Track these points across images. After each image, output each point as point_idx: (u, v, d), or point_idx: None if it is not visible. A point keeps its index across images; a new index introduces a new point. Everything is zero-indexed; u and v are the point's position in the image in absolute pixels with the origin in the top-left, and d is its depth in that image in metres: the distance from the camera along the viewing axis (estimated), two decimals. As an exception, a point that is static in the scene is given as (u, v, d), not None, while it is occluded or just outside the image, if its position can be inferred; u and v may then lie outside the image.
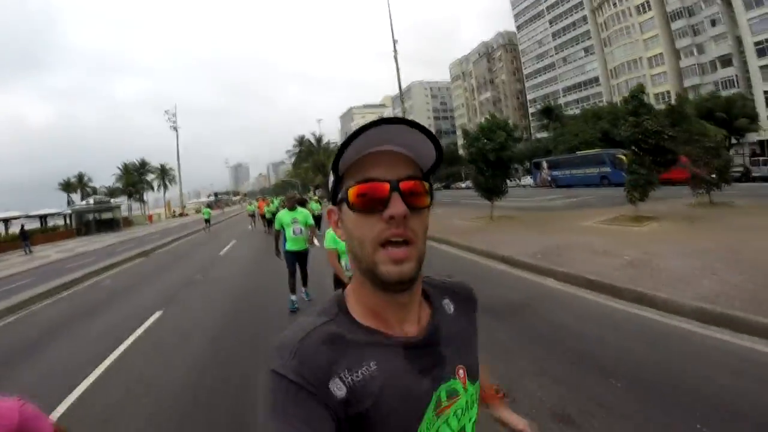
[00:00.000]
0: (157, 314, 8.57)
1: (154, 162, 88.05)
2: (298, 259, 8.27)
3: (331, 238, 5.56)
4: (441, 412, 0.88)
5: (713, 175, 16.71)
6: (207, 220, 32.30)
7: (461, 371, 0.94)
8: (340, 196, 0.89)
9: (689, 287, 6.36)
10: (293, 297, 7.85)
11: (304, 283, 8.35)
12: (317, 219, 16.77)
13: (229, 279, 11.86)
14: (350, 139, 0.80)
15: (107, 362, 6.14)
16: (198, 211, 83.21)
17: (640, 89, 15.27)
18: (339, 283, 5.53)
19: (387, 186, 0.82)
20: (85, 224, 48.87)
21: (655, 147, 14.12)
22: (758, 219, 12.31)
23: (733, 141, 50.96)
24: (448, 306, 1.03)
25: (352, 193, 0.84)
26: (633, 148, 14.64)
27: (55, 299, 11.93)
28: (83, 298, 11.74)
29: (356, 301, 0.92)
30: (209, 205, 51.32)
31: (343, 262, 5.49)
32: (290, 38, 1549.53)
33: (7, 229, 43.74)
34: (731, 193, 18.74)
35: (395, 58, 35.28)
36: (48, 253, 29.27)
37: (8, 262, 26.09)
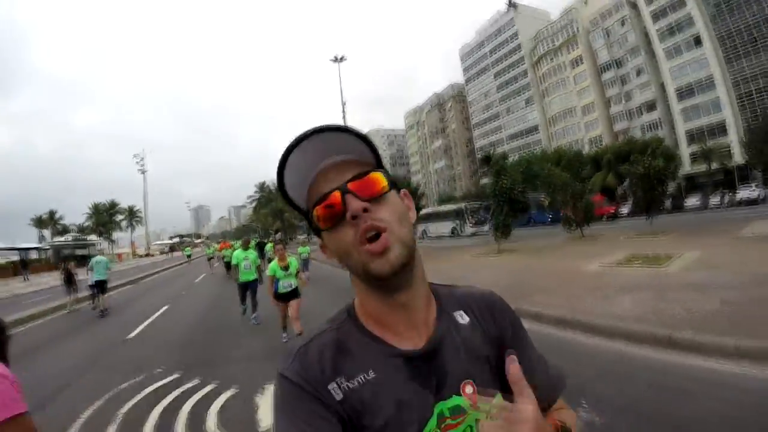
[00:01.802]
0: (167, 306, 14.33)
1: (116, 198, 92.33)
2: (249, 288, 10.70)
3: (271, 269, 8.01)
4: (446, 429, 0.85)
5: (574, 215, 22.45)
6: (189, 256, 45.72)
7: (468, 387, 0.89)
8: (313, 225, 0.89)
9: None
10: (243, 306, 10.98)
11: (254, 310, 10.52)
12: (271, 259, 21.80)
13: (204, 294, 17.38)
14: (281, 175, 0.83)
15: (150, 319, 12.05)
16: (162, 252, 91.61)
17: (503, 157, 21.32)
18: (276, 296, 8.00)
19: (338, 193, 0.81)
20: (62, 259, 52.00)
21: (509, 199, 19.90)
22: (594, 248, 17.09)
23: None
24: (461, 316, 0.99)
25: (316, 216, 0.85)
26: (494, 200, 20.47)
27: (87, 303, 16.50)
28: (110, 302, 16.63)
29: (362, 308, 0.93)
30: (190, 245, 61.67)
31: (280, 282, 7.92)
32: (252, 80, 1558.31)
33: None
34: (611, 227, 25.11)
35: (344, 118, 41.02)
36: (45, 280, 33.39)
37: (19, 285, 30.63)
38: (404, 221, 0.85)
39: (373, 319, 0.91)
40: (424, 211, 53.23)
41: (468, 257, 19.87)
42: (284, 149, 0.81)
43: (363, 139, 0.85)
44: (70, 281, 16.04)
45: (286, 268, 7.96)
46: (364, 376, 0.83)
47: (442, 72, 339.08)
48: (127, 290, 21.62)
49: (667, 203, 44.11)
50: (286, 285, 7.95)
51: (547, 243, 22.01)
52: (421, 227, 51.14)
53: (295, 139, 0.80)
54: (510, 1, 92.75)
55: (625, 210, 44.23)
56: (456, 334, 0.95)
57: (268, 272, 8.17)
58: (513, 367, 0.78)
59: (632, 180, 21.22)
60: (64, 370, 7.60)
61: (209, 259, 31.34)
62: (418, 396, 0.84)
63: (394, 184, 0.88)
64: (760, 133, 40.66)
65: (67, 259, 17.88)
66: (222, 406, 5.17)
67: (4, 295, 23.19)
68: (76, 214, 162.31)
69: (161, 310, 13.42)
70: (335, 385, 0.82)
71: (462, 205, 48.32)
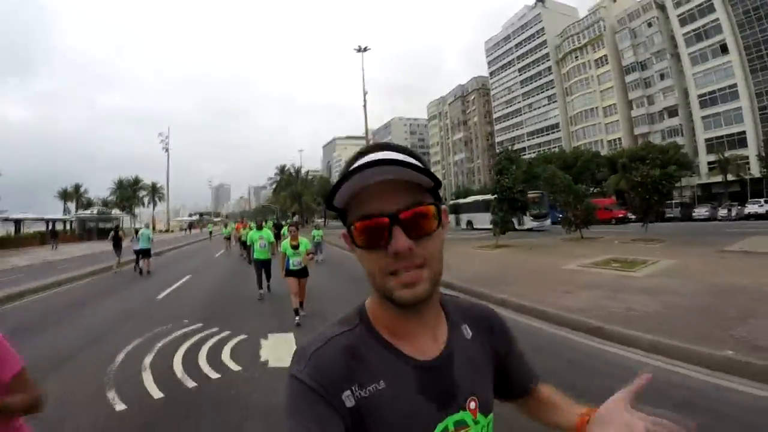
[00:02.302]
0: (189, 276, 15.95)
1: (138, 174, 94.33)
2: (263, 265, 11.40)
3: (283, 246, 8.82)
4: None
5: (575, 216, 23.48)
6: (210, 233, 49.04)
7: (472, 403, 0.93)
8: (347, 229, 0.87)
9: (456, 272, 12.92)
10: (260, 291, 11.24)
11: (268, 279, 11.57)
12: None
13: (222, 268, 19.10)
14: (341, 182, 0.78)
15: (176, 285, 13.66)
16: (182, 228, 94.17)
17: (506, 157, 22.50)
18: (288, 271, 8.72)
19: (386, 220, 0.80)
20: (87, 231, 54.85)
21: (509, 198, 21.13)
22: (584, 249, 17.95)
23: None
24: (467, 331, 1.03)
25: (354, 231, 0.84)
26: (495, 197, 21.71)
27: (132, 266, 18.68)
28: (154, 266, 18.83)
29: (375, 314, 0.93)
30: (212, 223, 64.38)
31: (291, 260, 8.64)
32: (276, 62, 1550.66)
33: (18, 228, 48.72)
34: (614, 230, 26.48)
35: (364, 107, 42.29)
36: (72, 249, 35.26)
37: (48, 253, 31.89)
38: (441, 257, 0.87)
39: (385, 327, 0.91)
40: (469, 199, 47.12)
41: (468, 249, 21.00)
42: (349, 168, 0.82)
43: (431, 177, 0.82)
44: (118, 246, 18.87)
45: (296, 247, 8.68)
46: (375, 386, 0.84)
47: (466, 64, 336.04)
48: (154, 261, 23.33)
49: (677, 211, 44.99)
50: (296, 263, 8.68)
51: (545, 241, 23.03)
52: (464, 218, 45.37)
53: (365, 163, 0.78)
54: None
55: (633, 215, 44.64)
56: (463, 348, 0.98)
57: (280, 249, 9.08)
58: (645, 379, 0.95)
59: (630, 187, 22.11)
60: (111, 318, 9.36)
61: (226, 238, 30.87)
62: (425, 409, 0.86)
63: (441, 213, 0.87)
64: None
65: (118, 228, 21.25)
66: (233, 346, 6.70)
67: (38, 262, 25.32)
68: (98, 188, 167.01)
69: (184, 279, 15.09)
70: (349, 393, 0.82)
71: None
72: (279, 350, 6.52)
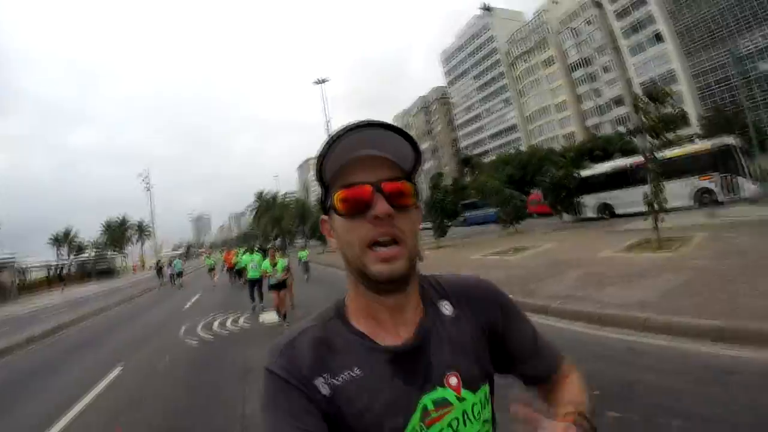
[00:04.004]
0: (198, 295, 20.92)
1: (119, 213, 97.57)
2: (256, 283, 13.03)
3: (264, 265, 11.23)
4: (431, 423, 0.87)
5: (506, 215, 28.08)
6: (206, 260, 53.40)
7: (453, 378, 0.91)
8: (327, 204, 0.90)
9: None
10: (253, 303, 13.01)
11: (261, 300, 13.15)
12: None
13: (222, 290, 23.66)
14: (327, 149, 0.82)
15: (192, 300, 18.71)
16: (170, 264, 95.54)
17: (439, 174, 27.55)
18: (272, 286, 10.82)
19: (369, 188, 0.83)
20: (87, 273, 59.38)
21: (441, 207, 26.10)
22: (507, 242, 20.35)
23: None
24: (446, 307, 1.00)
25: (336, 198, 0.85)
26: (433, 207, 26.70)
27: (141, 297, 23.81)
28: (155, 297, 23.89)
29: (353, 304, 0.95)
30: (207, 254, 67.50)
31: (271, 276, 10.79)
32: (243, 83, 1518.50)
33: (25, 275, 51.03)
34: (548, 223, 29.46)
35: (328, 133, 47.16)
36: (81, 290, 39.19)
37: (64, 294, 36.43)
38: (417, 238, 0.89)
39: (362, 315, 0.93)
40: (601, 167, 27.34)
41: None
42: (337, 131, 0.82)
43: (414, 146, 0.87)
44: (160, 272, 29.33)
45: (274, 265, 10.86)
46: (349, 373, 0.86)
47: (431, 73, 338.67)
48: (158, 292, 28.58)
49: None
50: (274, 278, 10.81)
51: (481, 239, 26.48)
52: (590, 201, 26.29)
53: (351, 125, 0.81)
54: (484, 5, 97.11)
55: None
56: (441, 327, 0.97)
57: (262, 268, 11.40)
58: (520, 412, 0.79)
59: (543, 186, 26.63)
60: (162, 318, 14.69)
61: (210, 269, 28.30)
62: (401, 392, 0.87)
63: (417, 193, 0.92)
64: (715, 124, 44.11)
65: (159, 261, 30.59)
66: (244, 318, 11.91)
67: (68, 299, 30.32)
68: (84, 230, 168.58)
69: (197, 296, 20.14)
70: (322, 380, 0.85)
71: (730, 141, 22.15)
72: (269, 317, 11.60)
